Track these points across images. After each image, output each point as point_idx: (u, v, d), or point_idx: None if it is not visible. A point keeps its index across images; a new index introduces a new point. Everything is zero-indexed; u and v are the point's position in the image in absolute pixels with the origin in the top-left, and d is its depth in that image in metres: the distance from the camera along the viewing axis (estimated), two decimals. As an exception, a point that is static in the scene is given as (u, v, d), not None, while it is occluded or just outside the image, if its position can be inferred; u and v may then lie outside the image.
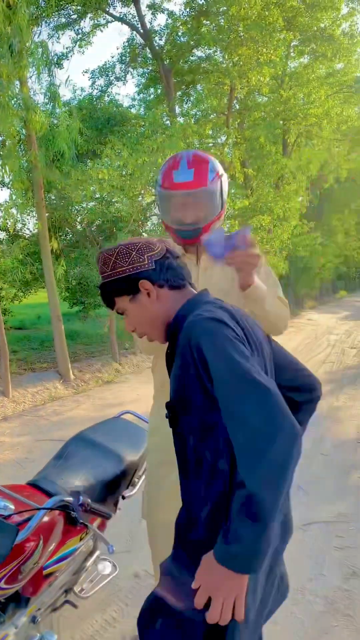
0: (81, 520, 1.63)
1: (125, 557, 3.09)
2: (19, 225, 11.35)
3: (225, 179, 2.02)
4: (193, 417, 1.25)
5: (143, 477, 2.42)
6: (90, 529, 1.65)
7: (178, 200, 1.92)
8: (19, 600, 1.80)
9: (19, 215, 10.28)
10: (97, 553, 2.46)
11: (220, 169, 2.00)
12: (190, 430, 1.27)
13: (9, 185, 8.77)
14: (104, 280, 1.42)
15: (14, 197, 8.50)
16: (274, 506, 1.06)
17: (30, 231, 11.34)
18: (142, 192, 9.68)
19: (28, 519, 1.59)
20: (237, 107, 13.37)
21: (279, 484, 1.06)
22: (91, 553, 2.43)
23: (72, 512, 1.63)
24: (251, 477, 1.06)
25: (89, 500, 1.67)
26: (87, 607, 2.62)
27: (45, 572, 1.85)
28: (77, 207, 10.52)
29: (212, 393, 1.18)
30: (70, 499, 1.64)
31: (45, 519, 1.70)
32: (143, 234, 11.20)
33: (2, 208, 8.38)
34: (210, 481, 1.25)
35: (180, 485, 1.35)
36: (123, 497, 2.32)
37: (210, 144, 11.97)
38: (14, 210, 9.31)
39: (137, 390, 7.45)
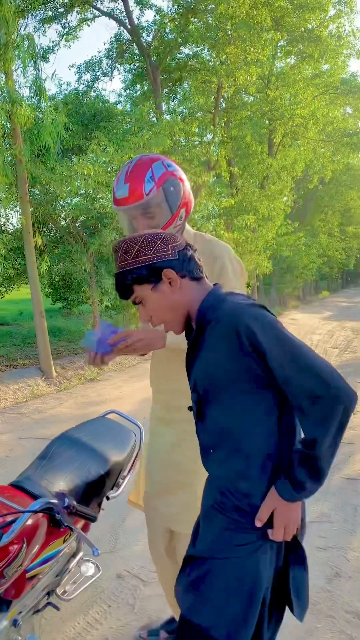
0: (66, 524, 1.60)
1: (108, 558, 3.06)
2: (2, 220, 11.22)
3: (174, 180, 1.94)
4: (233, 399, 1.35)
5: (128, 477, 2.40)
6: (75, 531, 1.61)
7: (122, 216, 1.93)
8: (0, 604, 1.77)
9: (2, 210, 10.18)
10: (80, 554, 2.42)
11: (164, 172, 1.92)
12: (226, 413, 1.37)
13: (-7, 179, 8.63)
14: (123, 268, 1.43)
15: (-3, 191, 8.37)
16: (331, 459, 1.26)
17: (14, 226, 11.21)
18: (128, 189, 9.62)
19: (11, 522, 1.56)
20: (224, 105, 13.37)
21: (338, 440, 1.26)
22: (74, 554, 2.40)
23: (57, 515, 1.59)
24: (320, 428, 1.24)
25: (74, 503, 1.64)
26: (69, 608, 2.59)
27: (28, 574, 1.81)
28: (61, 203, 10.42)
29: (261, 372, 1.31)
30: (55, 501, 1.61)
31: (29, 521, 1.66)
32: (128, 231, 11.12)
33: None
34: (250, 456, 1.36)
35: (210, 471, 1.46)
36: (107, 498, 2.29)
37: (197, 142, 11.93)
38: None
39: (120, 388, 7.41)
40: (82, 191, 9.90)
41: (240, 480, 1.36)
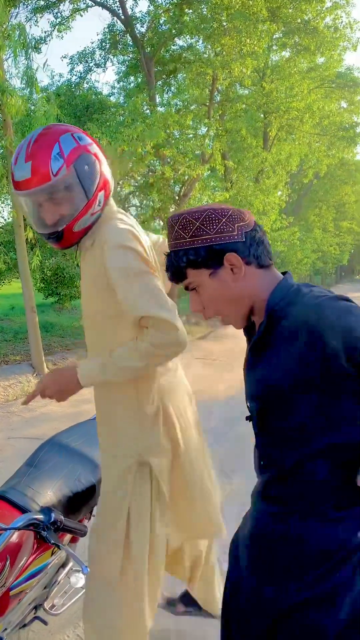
0: (52, 541, 1.48)
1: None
2: (-6, 213, 11.06)
3: (88, 156, 1.62)
4: (311, 398, 1.11)
5: None
6: (62, 548, 1.49)
7: (25, 202, 1.60)
8: None
9: (-7, 203, 10.02)
10: (69, 565, 2.31)
11: (76, 146, 1.59)
12: (301, 413, 1.12)
13: (-17, 171, 8.46)
14: (178, 247, 1.20)
15: (-13, 183, 8.22)
16: None
17: (5, 219, 11.05)
18: (121, 182, 9.48)
19: None
20: (219, 98, 13.22)
21: None
22: (63, 565, 2.28)
23: (43, 532, 1.46)
24: None
25: (62, 517, 1.53)
26: (58, 621, 2.47)
27: (12, 592, 1.69)
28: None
29: (347, 370, 1.06)
30: (40, 516, 1.49)
31: (14, 537, 1.54)
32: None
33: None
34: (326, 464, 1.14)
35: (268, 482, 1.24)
36: None
37: (191, 135, 11.79)
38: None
39: (113, 385, 7.28)
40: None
41: None
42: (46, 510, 1.50)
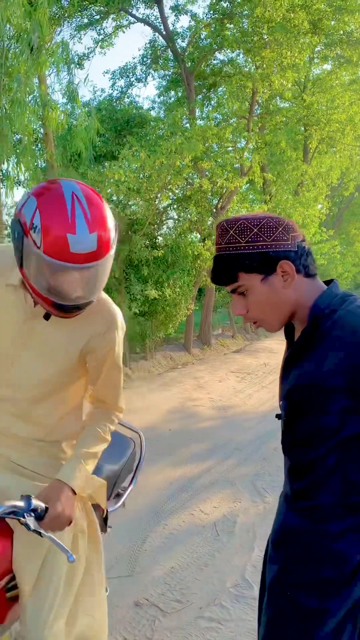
0: (32, 528, 1.39)
1: (126, 583, 2.87)
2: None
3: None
4: (340, 402, 1.17)
5: (130, 489, 2.28)
6: (44, 536, 1.42)
7: (74, 275, 1.34)
8: None
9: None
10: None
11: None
12: (328, 416, 1.19)
13: (25, 184, 8.65)
14: (232, 251, 1.23)
15: (28, 196, 8.36)
16: None
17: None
18: (159, 195, 9.51)
19: None
20: (259, 111, 13.17)
21: None
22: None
23: (22, 519, 1.40)
24: None
25: (43, 505, 1.45)
26: (81, 639, 2.42)
27: (8, 594, 1.63)
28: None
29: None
30: (20, 503, 1.41)
31: None
32: (158, 237, 11.02)
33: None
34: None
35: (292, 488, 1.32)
36: (106, 512, 2.11)
37: (230, 148, 11.76)
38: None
39: (145, 397, 7.25)
40: (114, 197, 9.84)
41: None
42: (26, 497, 1.42)
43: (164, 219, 12.21)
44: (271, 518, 1.24)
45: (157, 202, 9.82)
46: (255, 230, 1.22)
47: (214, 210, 11.60)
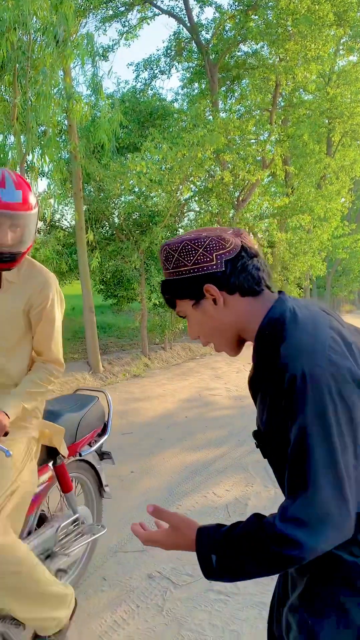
0: None
1: (140, 557, 3.01)
2: (57, 216, 11.44)
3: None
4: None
5: (104, 439, 2.70)
6: None
7: (4, 220, 1.83)
8: None
9: (56, 206, 10.37)
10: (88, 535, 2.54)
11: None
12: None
13: (48, 175, 8.80)
14: (165, 277, 1.20)
15: (52, 187, 8.53)
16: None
17: (68, 222, 11.41)
18: (180, 186, 9.59)
19: None
20: (282, 103, 13.13)
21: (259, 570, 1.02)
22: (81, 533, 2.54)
23: None
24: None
25: None
26: (97, 605, 2.56)
27: None
28: (114, 200, 10.52)
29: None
30: None
31: None
32: (179, 229, 11.12)
33: (40, 198, 8.41)
34: None
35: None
36: (80, 455, 2.53)
37: (253, 141, 11.77)
38: (51, 201, 9.38)
39: (163, 385, 7.39)
40: (136, 189, 9.96)
41: None
42: None
43: (185, 210, 12.30)
44: (279, 503, 1.23)
45: (178, 194, 9.90)
46: (176, 255, 1.14)
47: (235, 202, 11.65)
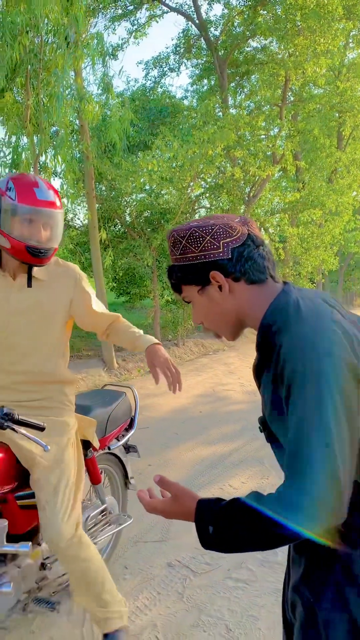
0: (7, 425, 1.77)
1: (160, 547, 3.11)
2: (70, 216, 11.56)
3: None
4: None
5: (131, 433, 2.83)
6: (17, 432, 1.80)
7: (40, 218, 1.93)
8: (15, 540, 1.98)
9: (69, 205, 10.48)
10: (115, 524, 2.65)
11: None
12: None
13: (61, 175, 8.91)
14: (172, 263, 1.24)
15: (65, 186, 8.63)
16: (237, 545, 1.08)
17: (81, 221, 11.52)
18: (191, 183, 9.65)
19: None
20: (292, 98, 13.12)
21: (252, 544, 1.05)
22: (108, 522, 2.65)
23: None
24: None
25: (15, 412, 1.79)
26: (120, 592, 2.65)
27: (19, 502, 2.00)
28: (126, 199, 10.61)
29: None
30: None
31: None
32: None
33: (53, 197, 8.51)
34: None
35: None
36: (109, 448, 2.64)
37: (263, 136, 11.78)
38: (64, 200, 9.49)
39: (179, 381, 7.47)
40: (147, 187, 10.04)
41: None
42: (0, 407, 1.79)
43: (196, 207, 12.35)
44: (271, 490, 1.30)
45: (189, 191, 9.97)
46: (184, 242, 1.18)
47: (246, 198, 11.68)
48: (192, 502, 1.16)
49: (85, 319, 2.20)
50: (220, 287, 1.17)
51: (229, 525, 1.07)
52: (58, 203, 1.97)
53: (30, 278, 2.04)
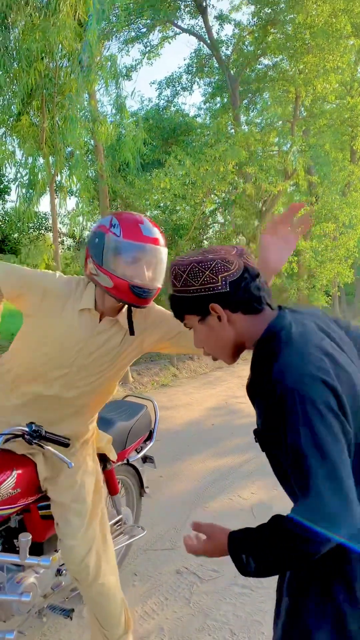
0: (35, 441, 1.83)
1: (169, 554, 3.19)
2: (86, 233, 11.81)
3: None
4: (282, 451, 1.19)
5: (150, 444, 2.93)
6: (45, 448, 1.87)
7: (146, 256, 1.79)
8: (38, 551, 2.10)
9: (85, 223, 10.72)
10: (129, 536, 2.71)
11: None
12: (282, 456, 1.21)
13: (77, 194, 9.15)
14: (174, 293, 1.33)
15: (80, 205, 8.86)
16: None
17: (96, 238, 11.73)
18: (204, 200, 9.82)
19: None
20: (304, 113, 13.27)
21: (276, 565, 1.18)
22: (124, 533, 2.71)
23: (26, 436, 1.82)
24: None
25: (43, 429, 1.85)
26: (129, 598, 2.74)
27: (41, 512, 2.08)
28: (141, 215, 10.80)
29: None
30: (25, 428, 1.84)
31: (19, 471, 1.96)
32: (204, 241, 11.33)
33: (69, 216, 8.74)
34: None
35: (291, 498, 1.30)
36: (128, 461, 2.74)
37: (275, 152, 11.93)
38: (80, 218, 9.73)
39: (190, 394, 7.56)
40: (161, 204, 10.23)
41: None
42: (29, 424, 1.85)
43: (209, 222, 12.51)
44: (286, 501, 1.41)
45: (203, 206, 10.13)
46: (184, 276, 1.27)
47: (259, 212, 11.81)
48: (224, 537, 1.27)
49: (179, 342, 2.04)
50: (219, 318, 1.27)
51: (258, 550, 1.19)
52: (162, 240, 1.84)
53: (131, 324, 1.92)
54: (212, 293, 1.25)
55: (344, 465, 1.08)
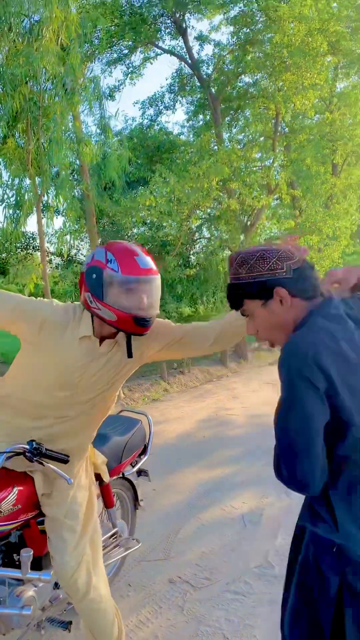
0: (36, 459, 1.89)
1: (162, 565, 3.25)
2: (74, 251, 11.93)
3: None
4: None
5: (144, 458, 2.98)
6: (45, 465, 1.92)
7: (145, 287, 1.84)
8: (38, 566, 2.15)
9: (72, 242, 10.85)
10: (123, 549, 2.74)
11: None
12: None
13: (63, 213, 9.27)
14: (236, 280, 1.45)
15: (67, 224, 8.98)
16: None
17: (84, 256, 11.86)
18: (190, 216, 9.98)
19: None
20: (286, 129, 13.55)
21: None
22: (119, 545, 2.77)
23: (27, 454, 1.88)
24: None
25: (43, 446, 1.92)
26: (123, 608, 2.80)
27: (41, 527, 2.13)
28: (127, 233, 10.95)
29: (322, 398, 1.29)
30: (26, 446, 1.90)
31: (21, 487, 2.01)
32: (191, 256, 11.48)
33: (56, 235, 8.85)
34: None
35: None
36: (123, 474, 2.79)
37: (257, 168, 12.16)
38: (67, 237, 9.84)
39: (181, 408, 7.63)
40: (147, 220, 10.38)
41: None
42: (30, 441, 1.91)
43: (195, 238, 12.68)
44: (296, 512, 1.52)
45: (189, 222, 10.29)
46: (252, 262, 1.41)
47: (245, 227, 11.99)
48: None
49: (182, 348, 2.16)
50: (281, 302, 1.41)
51: None
52: (155, 268, 1.90)
53: (130, 348, 1.96)
54: (278, 278, 1.40)
55: (317, 433, 1.28)
